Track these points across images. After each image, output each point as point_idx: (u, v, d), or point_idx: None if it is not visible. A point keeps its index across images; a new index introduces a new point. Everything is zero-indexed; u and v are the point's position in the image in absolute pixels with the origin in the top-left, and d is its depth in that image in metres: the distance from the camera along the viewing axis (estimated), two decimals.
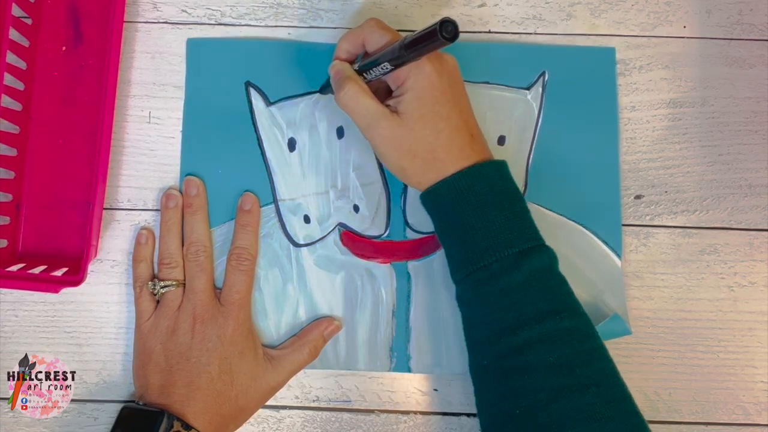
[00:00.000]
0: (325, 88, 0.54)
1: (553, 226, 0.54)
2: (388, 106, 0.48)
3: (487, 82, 0.55)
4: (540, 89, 0.55)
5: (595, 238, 0.55)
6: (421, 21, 0.56)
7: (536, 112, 0.55)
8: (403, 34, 0.47)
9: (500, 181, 0.48)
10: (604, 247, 0.55)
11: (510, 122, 0.55)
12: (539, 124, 0.55)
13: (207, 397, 0.50)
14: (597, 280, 0.55)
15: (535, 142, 0.55)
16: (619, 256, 0.55)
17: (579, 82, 0.55)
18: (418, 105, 0.47)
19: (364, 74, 0.49)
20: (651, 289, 0.55)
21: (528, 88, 0.55)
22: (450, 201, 0.48)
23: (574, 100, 0.55)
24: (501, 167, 0.49)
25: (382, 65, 0.47)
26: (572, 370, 0.45)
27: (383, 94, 0.51)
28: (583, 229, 0.55)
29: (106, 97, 0.52)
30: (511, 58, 0.55)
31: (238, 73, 0.55)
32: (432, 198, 0.49)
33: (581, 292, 0.51)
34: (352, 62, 0.50)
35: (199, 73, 0.55)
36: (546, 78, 0.55)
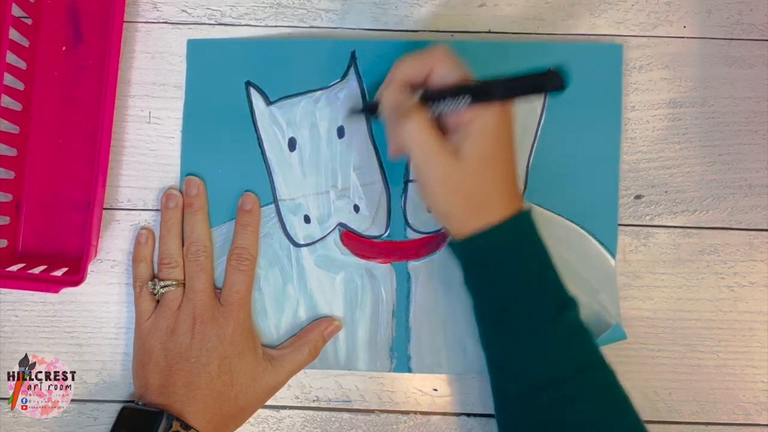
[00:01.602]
0: (365, 111, 0.52)
1: (550, 226, 0.54)
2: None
3: None
4: None
5: (592, 239, 0.55)
6: (421, 21, 0.56)
7: (539, 110, 0.55)
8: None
9: (536, 231, 0.48)
10: (600, 247, 0.55)
11: None
12: (541, 122, 0.55)
13: (206, 397, 0.50)
14: (592, 280, 0.55)
15: (536, 141, 0.55)
16: (613, 256, 0.55)
17: (584, 79, 0.54)
18: (483, 149, 0.45)
19: (430, 104, 0.46)
20: (651, 289, 0.55)
21: None
22: (490, 251, 0.47)
23: (578, 98, 0.54)
24: (533, 213, 0.49)
25: (463, 97, 0.44)
26: (611, 422, 0.46)
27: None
28: (580, 229, 0.55)
29: (106, 97, 0.52)
30: (516, 56, 0.55)
31: (238, 73, 0.55)
32: (471, 246, 0.47)
33: (577, 292, 0.51)
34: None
35: (200, 73, 0.55)
36: None
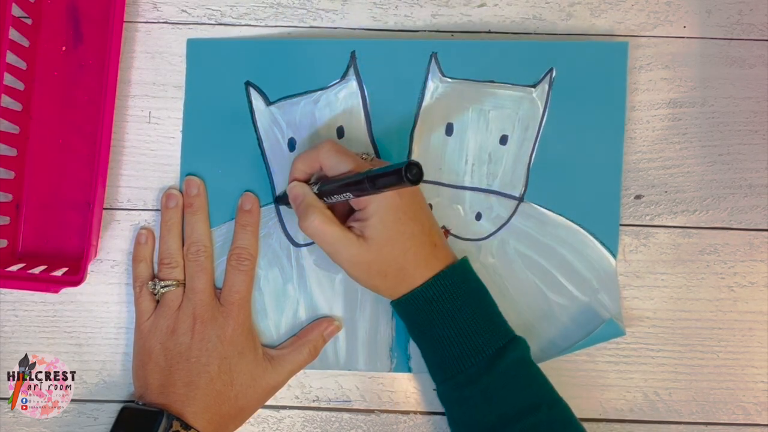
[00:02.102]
0: (281, 200, 0.54)
1: (552, 226, 0.55)
2: (351, 227, 0.49)
3: (492, 81, 0.54)
4: (546, 87, 0.55)
5: (593, 238, 0.55)
6: (421, 21, 0.56)
7: (541, 110, 0.55)
8: (361, 155, 0.50)
9: (464, 284, 0.50)
10: (601, 247, 0.55)
11: (514, 121, 0.55)
12: (543, 122, 0.55)
13: (206, 396, 0.50)
14: (593, 279, 0.55)
15: (538, 140, 0.55)
16: (614, 256, 0.55)
17: (588, 78, 0.54)
18: (383, 228, 0.48)
19: (325, 198, 0.49)
20: (651, 289, 0.55)
21: (534, 86, 0.55)
22: (421, 311, 0.50)
23: (581, 97, 0.54)
24: (463, 268, 0.50)
25: (344, 194, 0.47)
26: None
27: (342, 211, 0.51)
28: (581, 229, 0.55)
29: (106, 97, 0.52)
30: (518, 55, 0.55)
31: (238, 73, 0.55)
32: (403, 308, 0.50)
33: (577, 292, 0.51)
34: (307, 181, 0.51)
35: (200, 73, 0.55)
36: (553, 75, 0.54)
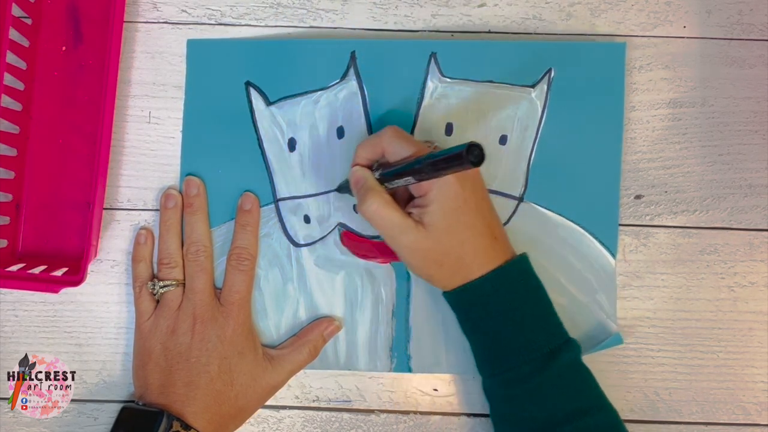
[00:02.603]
0: (343, 188, 0.54)
1: (551, 226, 0.55)
2: (410, 214, 0.48)
3: (491, 81, 0.55)
4: (545, 87, 0.55)
5: (592, 238, 0.55)
6: (421, 21, 0.56)
7: (540, 110, 0.55)
8: (423, 141, 0.49)
9: (523, 280, 0.49)
10: (600, 247, 0.55)
11: (513, 121, 0.55)
12: (542, 122, 0.55)
13: (206, 396, 0.50)
14: (592, 279, 0.55)
15: (537, 140, 0.55)
16: (614, 256, 0.55)
17: (586, 79, 0.55)
18: (443, 216, 0.47)
19: (386, 183, 0.49)
20: (651, 289, 0.55)
21: (533, 86, 0.55)
22: (476, 304, 0.49)
23: (579, 97, 0.54)
24: (522, 264, 0.50)
25: (405, 179, 0.46)
26: None
27: (403, 196, 0.50)
28: (581, 229, 0.55)
29: (106, 97, 0.52)
30: (517, 56, 0.55)
31: (238, 73, 0.55)
32: (457, 300, 0.50)
33: (577, 292, 0.51)
34: (370, 167, 0.50)
35: (200, 73, 0.55)
36: (552, 75, 0.55)
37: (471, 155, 0.40)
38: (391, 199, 0.48)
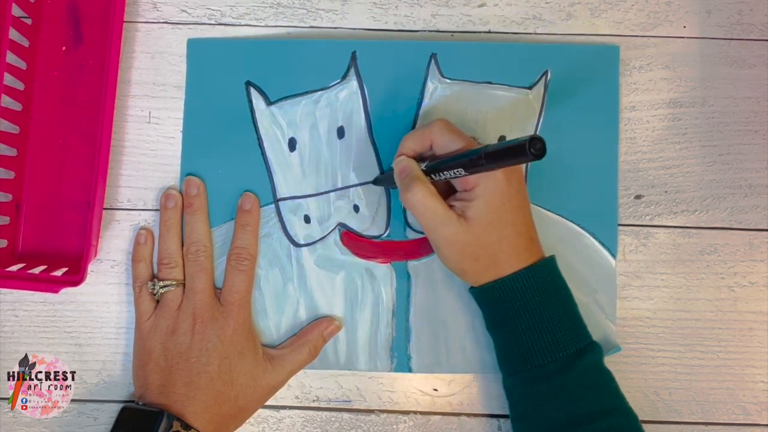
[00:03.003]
0: (381, 181, 0.54)
1: (551, 227, 0.55)
2: (452, 206, 0.48)
3: (490, 82, 0.55)
4: (542, 88, 0.55)
5: (592, 239, 0.55)
6: (421, 21, 0.56)
7: (537, 111, 0.55)
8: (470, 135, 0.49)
9: (553, 280, 0.50)
10: (600, 247, 0.55)
11: (511, 122, 0.55)
12: (540, 123, 0.55)
13: (206, 396, 0.50)
14: (592, 279, 0.55)
15: None
16: (614, 256, 0.55)
17: (582, 80, 0.55)
18: (487, 212, 0.47)
19: (432, 175, 0.48)
20: (651, 289, 0.55)
21: (530, 87, 0.55)
22: (505, 300, 0.49)
23: (575, 99, 0.55)
24: (551, 265, 0.50)
25: (456, 170, 0.46)
26: None
27: (442, 189, 0.50)
28: (580, 230, 0.55)
29: (106, 97, 0.52)
30: (514, 58, 0.55)
31: (238, 73, 0.55)
32: (486, 295, 0.50)
33: (577, 292, 0.51)
34: (416, 159, 0.50)
35: (200, 73, 0.55)
36: (548, 77, 0.55)
37: (533, 148, 0.40)
38: (434, 190, 0.48)
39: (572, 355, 0.48)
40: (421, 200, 0.47)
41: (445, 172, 0.47)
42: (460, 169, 0.46)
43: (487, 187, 0.47)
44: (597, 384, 0.49)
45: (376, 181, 0.54)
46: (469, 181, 0.48)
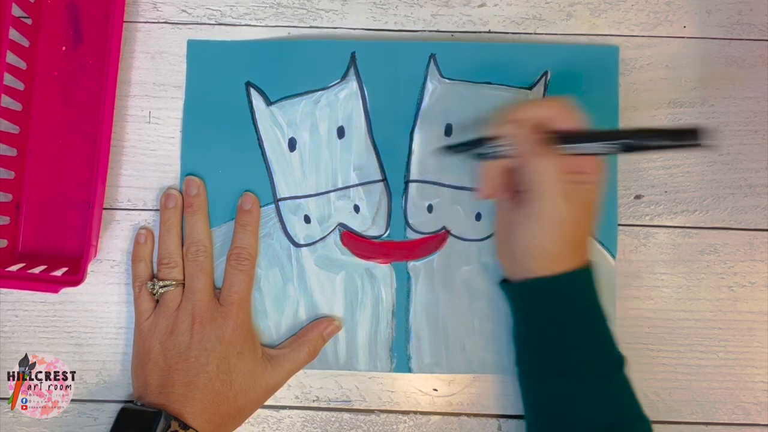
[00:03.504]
0: (458, 150, 0.52)
1: None
2: None
3: (489, 83, 0.55)
4: (542, 89, 0.55)
5: (591, 239, 0.55)
6: (421, 21, 0.56)
7: None
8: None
9: (597, 285, 0.50)
10: (600, 247, 0.55)
11: None
12: None
13: (205, 396, 0.50)
14: None
15: None
16: (614, 256, 0.55)
17: (581, 81, 0.55)
18: (597, 199, 0.48)
19: (562, 147, 0.47)
20: (651, 289, 0.55)
21: (530, 88, 0.55)
22: (564, 298, 0.48)
23: (575, 99, 0.55)
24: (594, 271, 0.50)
25: (602, 145, 0.45)
26: None
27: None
28: None
29: (106, 97, 0.52)
30: (514, 58, 0.55)
31: (238, 73, 0.55)
32: (543, 288, 0.49)
33: None
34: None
35: (200, 73, 0.55)
36: (548, 78, 0.55)
37: (700, 137, 0.40)
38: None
39: (614, 362, 0.49)
40: (553, 170, 0.46)
41: (582, 145, 0.46)
42: (601, 144, 0.45)
43: (602, 176, 0.48)
44: (622, 396, 0.49)
45: (448, 149, 0.52)
46: (585, 164, 0.47)
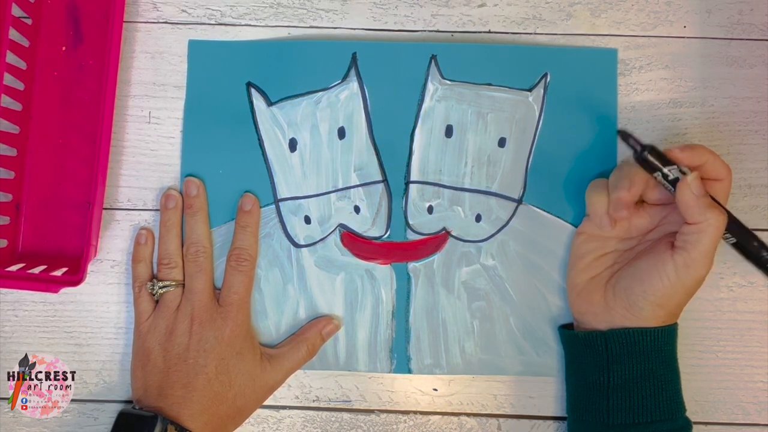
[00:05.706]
0: (644, 159, 0.48)
1: (550, 228, 0.54)
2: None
3: (490, 84, 0.55)
4: (542, 91, 0.55)
5: None
6: (421, 21, 0.56)
7: (537, 113, 0.55)
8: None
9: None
10: None
11: (511, 124, 0.55)
12: (540, 125, 0.55)
13: (204, 398, 0.50)
14: None
15: (535, 143, 0.55)
16: None
17: (580, 83, 0.55)
18: (712, 248, 0.47)
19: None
20: None
21: (530, 90, 0.55)
22: (647, 351, 0.49)
23: (574, 102, 0.55)
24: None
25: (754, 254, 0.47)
26: None
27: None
28: None
29: (106, 97, 0.52)
30: (514, 60, 0.55)
31: (239, 74, 0.55)
32: (628, 339, 0.49)
33: None
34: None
35: (201, 74, 0.55)
36: (548, 80, 0.55)
37: None
38: None
39: (686, 420, 0.50)
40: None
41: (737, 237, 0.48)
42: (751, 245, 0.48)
43: (714, 225, 0.46)
44: None
45: (625, 135, 0.49)
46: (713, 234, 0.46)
